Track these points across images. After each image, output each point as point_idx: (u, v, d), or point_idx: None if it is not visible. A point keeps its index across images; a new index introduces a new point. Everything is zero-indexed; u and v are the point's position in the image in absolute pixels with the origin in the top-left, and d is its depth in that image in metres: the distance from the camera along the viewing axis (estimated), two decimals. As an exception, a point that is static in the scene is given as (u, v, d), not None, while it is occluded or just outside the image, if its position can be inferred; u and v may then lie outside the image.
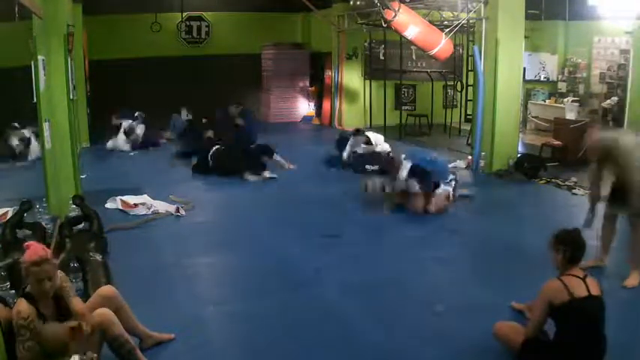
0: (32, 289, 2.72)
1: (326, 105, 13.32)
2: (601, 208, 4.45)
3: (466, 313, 3.81)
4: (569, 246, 3.02)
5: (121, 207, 6.13)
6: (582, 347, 2.88)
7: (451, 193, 6.23)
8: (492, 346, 3.27)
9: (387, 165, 6.88)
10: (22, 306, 2.65)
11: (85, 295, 3.51)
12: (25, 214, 4.84)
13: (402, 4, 7.94)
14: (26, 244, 2.82)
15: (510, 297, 3.93)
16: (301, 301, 4.06)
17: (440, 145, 10.33)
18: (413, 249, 5.13)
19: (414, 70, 12.56)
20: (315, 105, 13.98)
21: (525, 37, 8.20)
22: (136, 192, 6.50)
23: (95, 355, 2.64)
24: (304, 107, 14.10)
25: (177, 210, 6.09)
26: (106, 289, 3.24)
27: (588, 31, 11.42)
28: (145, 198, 6.26)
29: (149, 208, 6.05)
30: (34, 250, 2.74)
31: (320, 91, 13.74)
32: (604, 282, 4.29)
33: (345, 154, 8.37)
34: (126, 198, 6.20)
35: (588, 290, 2.89)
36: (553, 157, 8.47)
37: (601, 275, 4.39)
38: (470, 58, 9.82)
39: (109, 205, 6.21)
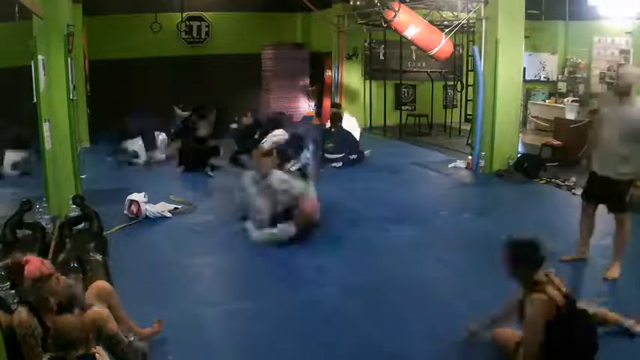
0: (33, 300, 2.71)
1: (326, 105, 13.30)
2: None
3: (466, 313, 3.81)
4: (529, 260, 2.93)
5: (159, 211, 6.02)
6: (574, 349, 2.85)
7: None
8: (493, 345, 3.28)
9: None
10: (23, 317, 2.63)
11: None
12: (25, 214, 4.84)
13: (402, 4, 7.94)
14: (25, 259, 2.74)
15: (510, 296, 3.93)
16: (302, 301, 4.06)
17: (440, 145, 10.34)
18: (413, 249, 5.13)
19: (414, 70, 12.56)
20: (315, 105, 13.98)
21: (525, 37, 8.19)
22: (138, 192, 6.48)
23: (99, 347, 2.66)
24: (304, 107, 14.10)
25: (175, 209, 6.10)
26: (101, 283, 3.23)
27: (588, 31, 11.43)
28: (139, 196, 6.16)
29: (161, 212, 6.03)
30: (35, 265, 2.68)
31: (320, 91, 13.74)
32: (586, 274, 4.43)
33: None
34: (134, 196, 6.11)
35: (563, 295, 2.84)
36: (553, 157, 8.46)
37: (584, 267, 4.50)
38: (470, 58, 9.82)
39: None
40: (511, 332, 3.21)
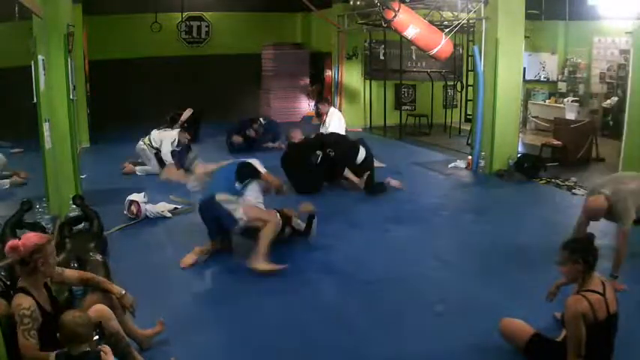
0: (26, 282, 2.74)
1: (326, 105, 13.30)
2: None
3: (466, 313, 3.82)
4: (590, 255, 2.88)
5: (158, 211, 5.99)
6: (592, 353, 2.84)
7: None
8: (493, 345, 3.28)
9: None
10: (22, 299, 2.66)
11: (84, 295, 3.51)
12: (25, 214, 4.83)
13: (402, 4, 7.93)
14: (23, 236, 2.81)
15: (510, 296, 3.94)
16: (302, 300, 4.06)
17: (440, 145, 10.34)
18: (412, 248, 5.13)
19: (414, 70, 12.55)
20: (315, 105, 13.98)
21: (525, 37, 8.20)
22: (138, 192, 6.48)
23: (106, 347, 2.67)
24: (304, 107, 14.10)
25: (175, 209, 6.10)
26: (95, 310, 3.21)
27: (588, 31, 11.43)
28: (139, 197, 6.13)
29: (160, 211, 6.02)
30: (34, 235, 2.85)
31: (320, 91, 13.74)
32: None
33: None
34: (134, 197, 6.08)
35: (608, 309, 2.81)
36: (553, 157, 8.47)
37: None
38: (470, 58, 9.82)
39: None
40: (520, 323, 3.18)
